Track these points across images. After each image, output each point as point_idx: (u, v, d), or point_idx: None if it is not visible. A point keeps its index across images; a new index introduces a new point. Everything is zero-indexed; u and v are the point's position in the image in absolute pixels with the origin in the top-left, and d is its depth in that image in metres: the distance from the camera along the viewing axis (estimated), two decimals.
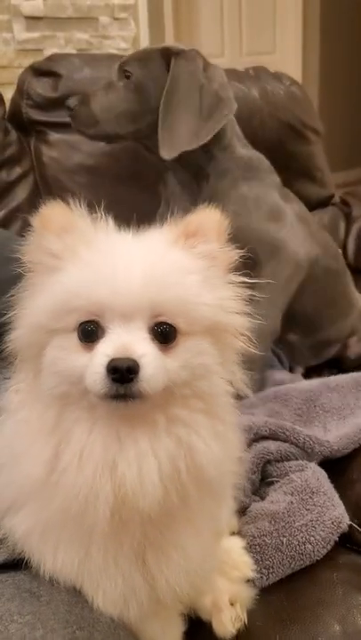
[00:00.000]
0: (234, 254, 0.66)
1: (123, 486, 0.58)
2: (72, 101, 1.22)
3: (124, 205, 1.51)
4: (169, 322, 0.59)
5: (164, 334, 0.59)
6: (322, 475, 0.93)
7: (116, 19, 2.25)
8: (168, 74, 1.15)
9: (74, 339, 0.60)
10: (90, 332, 0.59)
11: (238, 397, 0.66)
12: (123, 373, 0.55)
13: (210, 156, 1.20)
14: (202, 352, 0.61)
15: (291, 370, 1.38)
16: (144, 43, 2.48)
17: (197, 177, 1.22)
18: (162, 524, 0.63)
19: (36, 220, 0.64)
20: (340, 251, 1.40)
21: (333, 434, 1.04)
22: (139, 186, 1.48)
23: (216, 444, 0.62)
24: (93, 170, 1.43)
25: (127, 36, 2.31)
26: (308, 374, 1.38)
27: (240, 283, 0.65)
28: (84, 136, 1.26)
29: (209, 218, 0.67)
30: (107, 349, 0.57)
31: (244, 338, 0.64)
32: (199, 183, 1.22)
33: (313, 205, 1.68)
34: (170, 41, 3.36)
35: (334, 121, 4.37)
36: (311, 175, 1.69)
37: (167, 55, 1.18)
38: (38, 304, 0.61)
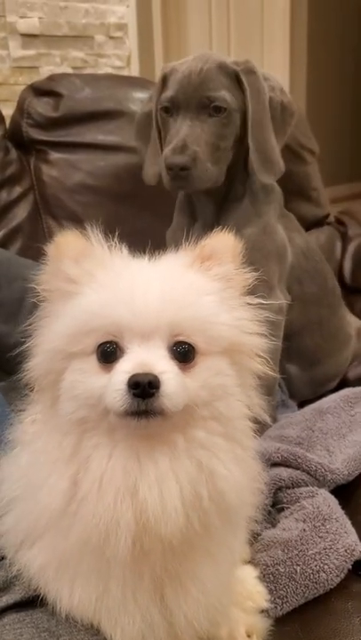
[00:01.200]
0: (249, 276, 0.67)
1: (144, 512, 0.58)
2: (182, 159, 1.05)
3: (125, 225, 1.50)
4: (188, 341, 0.61)
5: (183, 354, 0.61)
6: (333, 501, 0.93)
7: (111, 37, 2.26)
8: (243, 94, 1.10)
9: (92, 361, 0.61)
10: (109, 353, 0.60)
11: (256, 423, 0.67)
12: (144, 388, 0.56)
13: (238, 181, 1.18)
14: (220, 372, 0.62)
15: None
16: (134, 61, 2.49)
17: (223, 198, 1.19)
18: (182, 554, 0.63)
19: (51, 249, 0.66)
20: (337, 283, 1.39)
21: (339, 457, 1.04)
22: (139, 205, 1.48)
23: (237, 468, 0.63)
24: (94, 189, 1.43)
25: (122, 55, 2.31)
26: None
27: (255, 304, 0.66)
28: (191, 191, 1.14)
29: (223, 241, 0.69)
30: (127, 367, 0.58)
31: (261, 360, 0.65)
32: (222, 204, 1.19)
33: (309, 225, 1.69)
34: (159, 59, 3.36)
35: (321, 136, 4.42)
36: (307, 195, 1.70)
37: (235, 73, 1.11)
38: (56, 329, 0.62)
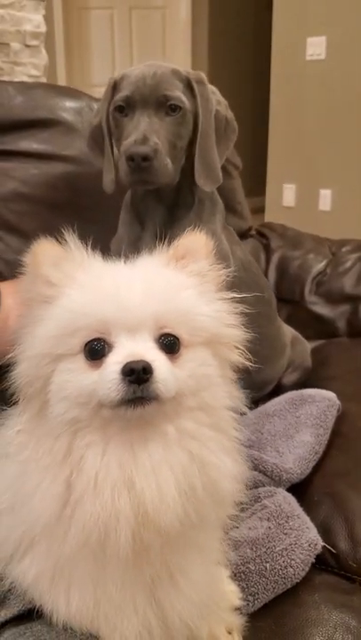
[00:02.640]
0: (222, 273, 0.72)
1: (142, 504, 0.61)
2: (144, 149, 1.06)
3: (60, 234, 1.50)
4: (173, 333, 0.64)
5: (169, 345, 0.64)
6: (292, 499, 0.99)
7: (27, 46, 2.23)
8: (194, 100, 1.13)
9: (80, 360, 0.63)
10: (97, 350, 0.62)
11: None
12: (139, 374, 0.59)
13: (187, 188, 1.20)
14: (204, 363, 0.66)
15: None
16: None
17: (173, 205, 1.21)
18: (178, 549, 0.66)
19: (28, 257, 0.68)
20: (273, 294, 1.45)
21: (289, 457, 1.10)
22: (76, 214, 1.47)
23: (227, 458, 0.66)
24: (28, 197, 1.42)
25: (38, 64, 2.29)
26: None
27: (230, 298, 0.71)
28: (150, 186, 1.14)
29: (196, 240, 0.73)
30: (118, 358, 0.61)
31: (239, 351, 0.70)
32: (172, 212, 1.21)
33: None
34: (61, 71, 3.36)
35: None
36: (233, 208, 1.78)
37: (187, 79, 1.14)
38: (40, 333, 0.64)
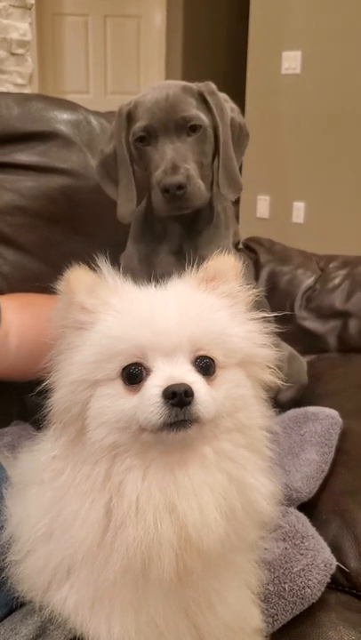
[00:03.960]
0: (252, 293, 0.74)
1: (185, 527, 0.61)
2: (178, 178, 1.07)
3: (59, 247, 1.50)
4: (208, 355, 0.65)
5: (206, 367, 0.65)
6: (304, 518, 1.00)
7: (13, 54, 2.21)
8: (210, 113, 1.15)
9: (117, 385, 0.63)
10: (135, 375, 0.63)
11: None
12: (181, 397, 0.60)
13: (211, 200, 1.21)
14: (240, 383, 0.67)
15: None
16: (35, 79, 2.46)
17: (192, 220, 1.21)
18: (217, 573, 0.67)
19: (62, 284, 0.69)
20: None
21: (296, 475, 1.11)
22: (73, 228, 1.48)
23: (264, 478, 0.68)
24: (26, 210, 1.42)
25: (24, 72, 2.27)
26: None
27: (261, 318, 0.72)
28: (186, 211, 1.13)
29: (225, 262, 0.74)
30: (158, 381, 0.61)
31: (271, 371, 0.71)
32: (191, 228, 1.22)
33: None
34: (35, 78, 3.33)
35: None
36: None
37: (199, 93, 1.16)
38: (77, 359, 0.65)
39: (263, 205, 4.44)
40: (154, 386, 0.61)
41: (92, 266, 0.71)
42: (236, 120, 1.21)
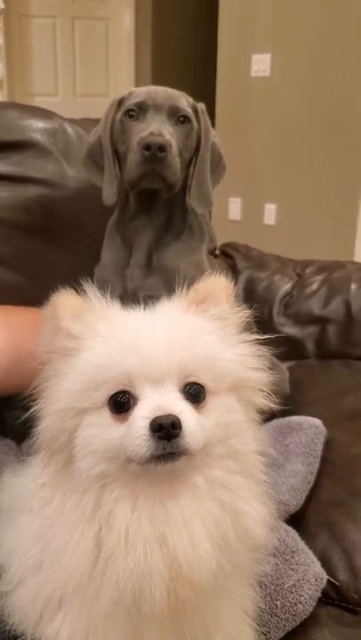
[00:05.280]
0: (243, 314, 0.71)
1: (175, 560, 0.60)
2: (162, 139, 1.07)
3: (35, 258, 1.47)
4: (198, 381, 0.64)
5: (195, 394, 0.63)
6: (293, 532, 0.99)
7: None
8: (198, 125, 1.17)
9: (105, 414, 0.62)
10: (122, 403, 0.61)
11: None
12: (168, 429, 0.58)
13: (179, 212, 1.22)
14: (231, 409, 0.66)
15: None
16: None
17: (164, 229, 1.22)
18: (213, 603, 0.65)
19: (48, 309, 0.67)
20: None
21: (282, 487, 1.09)
22: (50, 238, 1.45)
23: (258, 504, 0.66)
24: (2, 221, 1.41)
25: None
26: None
27: (253, 340, 0.70)
28: (157, 184, 1.13)
29: (215, 284, 0.73)
30: (145, 412, 0.60)
31: (264, 393, 0.69)
32: (161, 238, 1.22)
33: None
34: (3, 81, 3.29)
35: None
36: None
37: (193, 105, 1.18)
38: (64, 387, 0.63)
39: (235, 207, 4.45)
40: (140, 417, 0.59)
41: (76, 282, 0.69)
42: (217, 146, 1.23)
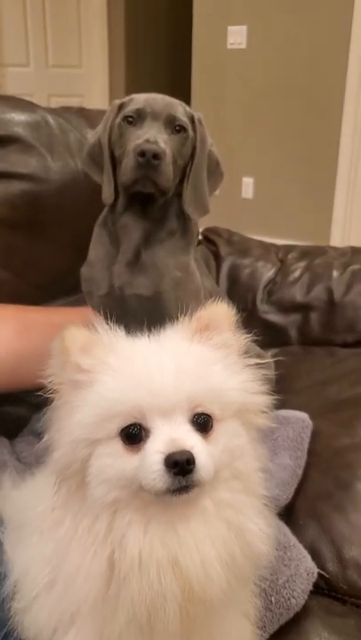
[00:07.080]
0: (244, 340, 0.74)
1: (188, 581, 0.63)
2: (157, 147, 1.08)
3: (21, 254, 1.48)
4: (206, 411, 0.66)
5: (203, 424, 0.66)
6: (285, 528, 1.03)
7: None
8: (194, 135, 1.18)
9: (117, 444, 0.64)
10: (134, 435, 0.63)
11: None
12: (183, 466, 0.60)
13: (174, 212, 1.22)
14: (236, 434, 0.69)
15: None
16: None
17: (156, 227, 1.22)
18: (220, 616, 0.68)
19: (57, 343, 0.68)
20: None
21: (272, 482, 1.12)
22: (36, 233, 1.45)
23: (260, 520, 0.69)
24: None
25: None
26: None
27: (253, 365, 0.73)
28: (149, 189, 1.14)
29: (217, 311, 0.74)
30: (158, 447, 0.62)
31: (264, 415, 0.72)
32: (153, 235, 1.22)
33: None
34: None
35: None
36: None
37: (191, 114, 1.19)
38: (76, 419, 0.65)
39: None
40: (155, 452, 0.61)
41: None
42: (214, 154, 1.24)
